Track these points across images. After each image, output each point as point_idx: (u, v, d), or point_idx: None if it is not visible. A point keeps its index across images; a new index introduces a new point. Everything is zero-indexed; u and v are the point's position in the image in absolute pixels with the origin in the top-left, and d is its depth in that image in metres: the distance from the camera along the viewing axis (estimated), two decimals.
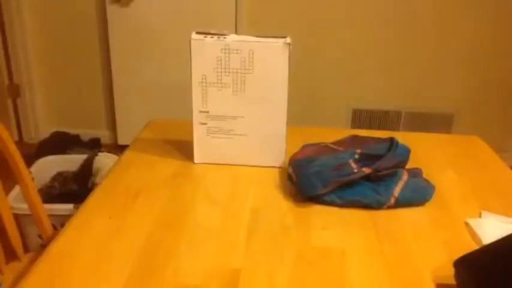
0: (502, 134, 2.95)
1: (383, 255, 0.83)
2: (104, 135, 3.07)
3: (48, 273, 0.76)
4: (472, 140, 1.32)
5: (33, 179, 1.36)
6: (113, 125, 3.07)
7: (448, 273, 0.75)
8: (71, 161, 2.18)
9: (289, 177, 1.03)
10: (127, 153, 1.18)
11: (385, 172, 0.98)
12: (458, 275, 0.73)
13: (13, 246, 1.25)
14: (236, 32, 2.73)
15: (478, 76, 2.84)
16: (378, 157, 0.99)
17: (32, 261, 1.25)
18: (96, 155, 2.16)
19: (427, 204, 0.99)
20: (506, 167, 1.17)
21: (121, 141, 3.03)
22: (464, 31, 2.74)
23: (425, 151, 1.23)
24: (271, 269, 0.79)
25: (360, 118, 2.96)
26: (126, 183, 1.03)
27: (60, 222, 1.73)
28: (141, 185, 1.03)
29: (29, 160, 1.96)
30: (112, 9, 2.75)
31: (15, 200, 1.78)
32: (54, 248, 0.82)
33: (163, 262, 0.79)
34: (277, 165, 1.12)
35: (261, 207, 0.96)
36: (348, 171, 0.96)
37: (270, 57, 1.03)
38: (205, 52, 1.04)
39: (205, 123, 1.10)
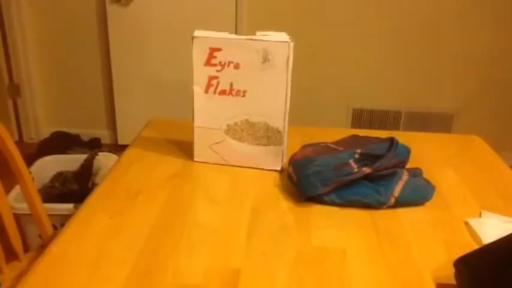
0: (502, 134, 2.95)
1: (383, 255, 0.83)
2: (104, 135, 3.07)
3: (48, 273, 0.76)
4: (472, 140, 1.32)
5: (33, 178, 1.36)
6: (113, 125, 3.07)
7: (448, 273, 0.76)
8: (71, 161, 2.18)
9: (289, 177, 1.03)
10: (127, 153, 1.18)
11: (385, 172, 0.98)
12: (458, 274, 0.73)
13: (13, 246, 1.25)
14: (236, 32, 2.73)
15: (477, 76, 2.84)
16: (378, 157, 0.99)
17: (32, 261, 1.25)
18: (97, 154, 2.16)
19: (427, 204, 0.99)
20: (506, 167, 1.17)
21: (121, 141, 3.03)
22: (464, 31, 2.74)
23: (425, 151, 1.23)
24: (271, 269, 0.78)
25: (360, 118, 2.96)
26: (126, 183, 1.03)
27: (60, 222, 1.73)
28: (141, 184, 1.03)
29: (29, 160, 1.96)
30: (112, 9, 2.75)
31: (15, 200, 1.78)
32: (54, 248, 0.82)
33: (163, 262, 0.79)
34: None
35: (261, 207, 0.96)
36: (348, 171, 0.96)
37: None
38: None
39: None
